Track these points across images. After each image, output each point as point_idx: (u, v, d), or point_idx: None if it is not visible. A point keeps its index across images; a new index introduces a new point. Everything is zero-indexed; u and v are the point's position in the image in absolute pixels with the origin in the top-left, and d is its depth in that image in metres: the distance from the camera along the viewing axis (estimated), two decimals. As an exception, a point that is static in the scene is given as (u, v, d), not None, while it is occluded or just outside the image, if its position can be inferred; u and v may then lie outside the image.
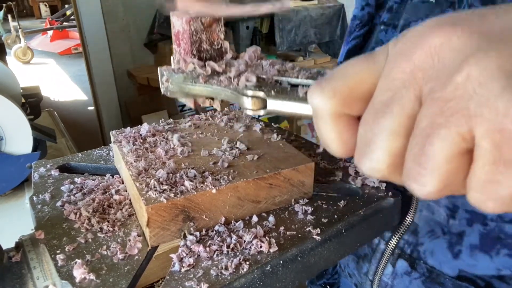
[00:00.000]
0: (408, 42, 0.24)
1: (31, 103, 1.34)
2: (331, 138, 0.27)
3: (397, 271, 0.56)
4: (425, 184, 0.22)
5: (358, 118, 0.27)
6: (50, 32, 6.38)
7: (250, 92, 0.37)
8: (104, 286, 0.36)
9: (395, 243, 0.56)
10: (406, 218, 0.54)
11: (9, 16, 6.25)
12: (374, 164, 0.25)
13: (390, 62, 0.24)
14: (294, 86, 0.39)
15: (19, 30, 5.74)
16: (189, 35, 0.43)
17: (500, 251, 0.47)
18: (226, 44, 0.46)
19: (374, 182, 0.52)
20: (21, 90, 1.26)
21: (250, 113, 0.38)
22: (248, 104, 0.37)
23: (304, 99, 0.34)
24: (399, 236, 0.56)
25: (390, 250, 0.57)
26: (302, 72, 0.40)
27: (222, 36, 0.46)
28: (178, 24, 0.45)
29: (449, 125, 0.20)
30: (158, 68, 0.46)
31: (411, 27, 0.25)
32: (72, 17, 5.95)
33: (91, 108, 3.34)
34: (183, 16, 0.44)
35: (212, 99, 0.48)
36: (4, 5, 7.05)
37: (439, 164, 0.21)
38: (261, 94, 0.37)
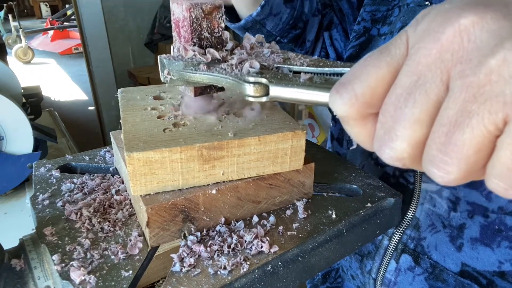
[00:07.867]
0: (435, 21, 0.22)
1: (31, 103, 1.34)
2: (363, 139, 0.26)
3: (401, 267, 0.56)
4: (450, 172, 0.21)
5: None
6: (51, 32, 6.39)
7: (252, 79, 0.36)
8: (104, 286, 0.36)
9: (398, 238, 0.56)
10: (408, 213, 0.54)
11: (10, 16, 6.27)
12: (395, 153, 0.24)
13: (414, 44, 0.22)
14: (296, 73, 0.37)
15: (20, 30, 5.75)
16: (189, 22, 0.42)
17: (501, 244, 0.47)
18: (227, 34, 0.45)
19: (374, 182, 0.52)
20: (22, 90, 1.26)
21: (252, 99, 0.37)
22: (250, 91, 0.37)
23: (306, 85, 0.33)
24: (402, 231, 0.55)
25: (393, 245, 0.56)
26: (303, 59, 0.39)
27: (222, 25, 0.44)
28: (178, 11, 0.44)
29: (483, 112, 0.19)
30: (158, 57, 0.45)
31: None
32: (72, 17, 5.96)
33: (92, 108, 3.34)
34: (183, 3, 0.42)
35: (214, 86, 0.47)
36: (4, 5, 7.06)
37: (468, 154, 0.20)
38: (263, 80, 0.36)
